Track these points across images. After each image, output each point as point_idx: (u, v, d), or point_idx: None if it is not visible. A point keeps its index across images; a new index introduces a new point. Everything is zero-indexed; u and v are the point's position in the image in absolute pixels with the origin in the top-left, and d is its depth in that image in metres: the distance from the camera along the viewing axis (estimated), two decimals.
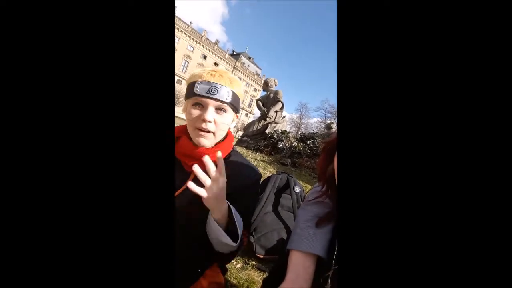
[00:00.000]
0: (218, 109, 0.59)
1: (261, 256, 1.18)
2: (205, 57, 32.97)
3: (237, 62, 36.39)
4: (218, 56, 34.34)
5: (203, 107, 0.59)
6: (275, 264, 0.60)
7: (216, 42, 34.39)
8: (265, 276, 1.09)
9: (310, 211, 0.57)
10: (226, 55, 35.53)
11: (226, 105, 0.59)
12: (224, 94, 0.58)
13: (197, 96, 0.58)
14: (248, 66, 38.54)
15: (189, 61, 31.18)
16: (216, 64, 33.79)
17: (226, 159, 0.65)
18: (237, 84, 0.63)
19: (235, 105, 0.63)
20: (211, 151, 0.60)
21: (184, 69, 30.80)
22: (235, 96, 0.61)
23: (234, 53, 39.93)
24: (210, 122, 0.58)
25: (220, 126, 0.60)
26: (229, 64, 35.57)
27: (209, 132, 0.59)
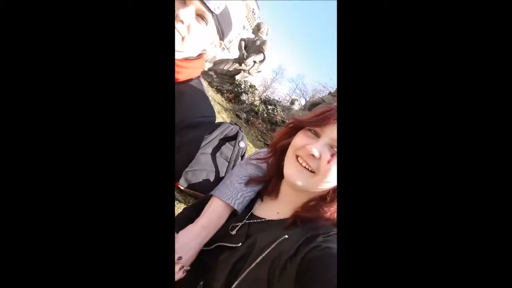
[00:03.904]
0: (200, 15, 0.48)
1: (182, 188, 1.21)
2: None
3: None
4: None
5: (186, 5, 0.47)
6: (196, 202, 0.63)
7: None
8: (179, 205, 1.15)
9: (245, 170, 0.60)
10: None
11: (211, 16, 0.48)
12: (215, 3, 0.47)
13: None
14: None
15: None
16: None
17: (187, 82, 0.56)
18: (239, 4, 0.51)
19: (221, 25, 0.51)
20: (177, 62, 0.50)
21: None
22: (226, 15, 0.50)
23: None
24: (182, 22, 0.46)
25: (192, 34, 0.48)
26: None
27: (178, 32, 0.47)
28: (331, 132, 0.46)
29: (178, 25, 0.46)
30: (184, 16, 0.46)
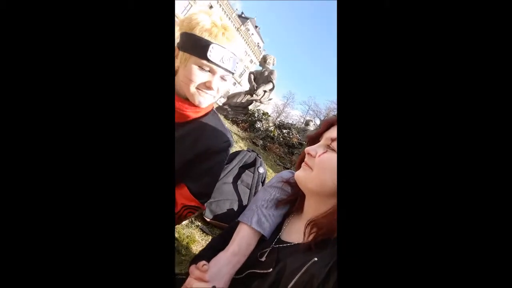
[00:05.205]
0: (222, 77, 0.58)
1: (208, 220, 1.22)
2: (211, 7, 30.08)
3: (242, 26, 34.03)
4: (225, 12, 31.58)
5: (210, 72, 0.57)
6: (224, 231, 0.64)
7: None
8: (206, 237, 1.15)
9: (270, 194, 0.60)
10: (234, 14, 32.84)
11: (230, 74, 0.58)
12: (234, 65, 0.57)
13: (209, 63, 0.55)
14: (252, 34, 36.39)
15: (193, 4, 28.15)
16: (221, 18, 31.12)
17: (203, 116, 0.65)
18: (241, 50, 0.61)
19: (233, 73, 0.62)
20: (193, 107, 0.60)
21: (186, 11, 27.81)
22: (237, 64, 0.60)
23: (243, 15, 37.08)
24: (213, 90, 0.58)
25: (220, 92, 0.60)
26: (234, 25, 33.16)
27: (209, 95, 0.59)
28: (327, 134, 0.52)
29: (209, 92, 0.58)
30: (215, 85, 0.57)
